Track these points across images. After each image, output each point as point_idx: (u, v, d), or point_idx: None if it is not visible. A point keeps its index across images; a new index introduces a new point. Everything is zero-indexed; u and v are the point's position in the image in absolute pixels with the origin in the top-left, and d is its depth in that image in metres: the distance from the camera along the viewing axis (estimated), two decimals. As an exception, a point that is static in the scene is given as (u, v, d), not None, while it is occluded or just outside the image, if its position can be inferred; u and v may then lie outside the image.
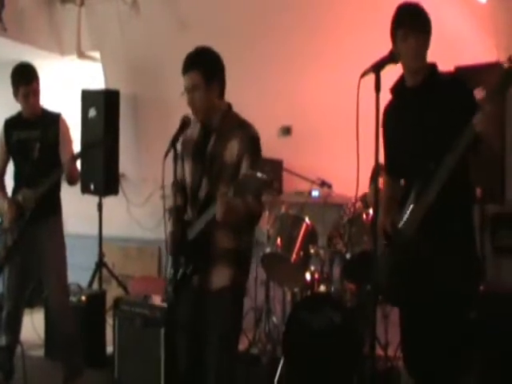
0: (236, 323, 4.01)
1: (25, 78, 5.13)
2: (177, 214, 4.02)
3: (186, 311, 3.98)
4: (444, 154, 3.31)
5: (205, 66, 3.85)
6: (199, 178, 3.93)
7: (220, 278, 3.88)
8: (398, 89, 3.66)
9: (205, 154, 3.91)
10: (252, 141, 3.85)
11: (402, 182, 3.82)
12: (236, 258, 3.92)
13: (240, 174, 3.71)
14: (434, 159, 3.37)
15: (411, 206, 3.50)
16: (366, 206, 5.69)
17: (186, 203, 4.08)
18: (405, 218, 3.54)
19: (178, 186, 4.02)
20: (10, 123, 5.32)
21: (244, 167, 3.77)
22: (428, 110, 3.51)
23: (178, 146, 3.89)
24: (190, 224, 3.94)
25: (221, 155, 3.84)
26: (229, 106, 4.01)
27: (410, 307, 3.64)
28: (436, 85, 3.54)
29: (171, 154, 3.87)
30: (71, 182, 5.23)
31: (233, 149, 3.81)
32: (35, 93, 5.17)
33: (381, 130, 3.70)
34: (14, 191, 5.23)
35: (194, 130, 4.02)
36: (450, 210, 3.44)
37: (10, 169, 5.37)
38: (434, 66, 3.59)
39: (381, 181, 3.77)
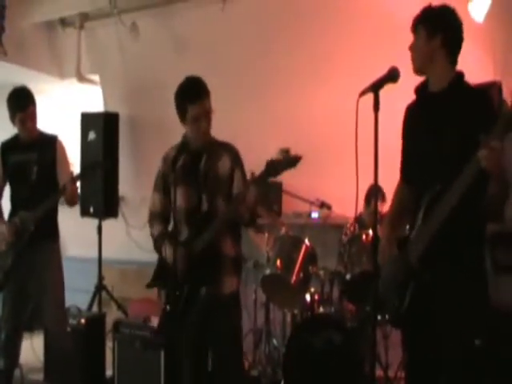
0: (241, 328, 4.37)
1: (21, 104, 5.10)
2: (172, 238, 4.19)
3: (192, 330, 4.19)
4: (455, 172, 3.21)
5: (209, 93, 4.17)
6: (197, 196, 4.20)
7: (228, 284, 4.20)
8: (421, 90, 3.60)
9: (197, 174, 4.21)
10: (239, 156, 4.30)
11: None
12: (237, 265, 4.31)
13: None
14: (447, 174, 3.27)
15: (419, 225, 3.43)
16: (362, 227, 5.68)
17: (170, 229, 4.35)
18: (412, 237, 3.48)
19: (157, 215, 4.34)
20: (7, 146, 5.29)
21: (237, 178, 4.21)
22: (446, 120, 3.41)
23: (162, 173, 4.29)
24: (190, 242, 4.15)
25: (214, 172, 4.20)
26: None
27: (413, 332, 3.57)
28: (458, 95, 3.43)
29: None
30: (71, 203, 5.21)
31: (225, 165, 4.21)
32: (32, 117, 5.15)
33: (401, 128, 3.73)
34: (11, 214, 5.19)
35: (176, 159, 4.16)
36: (459, 235, 3.34)
37: (7, 192, 5.35)
38: (459, 75, 3.50)
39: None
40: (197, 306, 4.14)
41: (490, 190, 3.21)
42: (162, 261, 4.26)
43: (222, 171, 4.18)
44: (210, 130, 4.21)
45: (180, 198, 4.19)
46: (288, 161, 3.87)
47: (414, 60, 3.55)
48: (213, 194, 4.15)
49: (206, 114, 4.13)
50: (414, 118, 3.65)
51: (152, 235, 4.33)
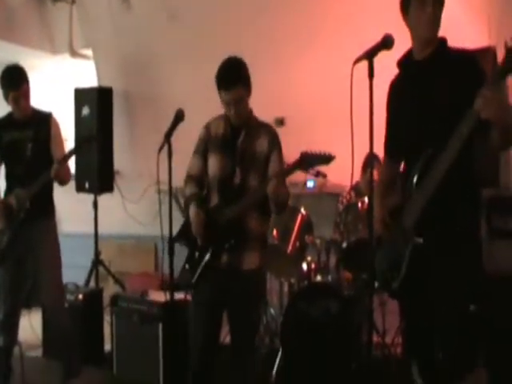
0: (260, 306, 4.56)
1: (14, 82, 5.07)
2: (201, 201, 4.30)
3: (209, 292, 4.22)
4: (448, 135, 3.21)
5: (245, 79, 4.17)
6: (231, 168, 4.23)
7: (251, 260, 4.22)
8: (406, 62, 3.56)
9: (235, 148, 4.23)
10: (277, 139, 4.30)
11: (402, 165, 3.71)
12: (263, 242, 4.35)
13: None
14: (437, 139, 3.27)
15: (411, 193, 3.42)
16: (359, 195, 5.69)
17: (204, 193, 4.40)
18: (405, 206, 3.46)
19: (193, 178, 4.37)
20: (1, 124, 5.27)
21: (274, 160, 4.21)
22: (435, 85, 3.39)
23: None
24: (218, 210, 4.23)
25: (251, 149, 4.22)
26: (250, 108, 4.33)
27: (410, 299, 3.57)
28: (445, 59, 3.41)
29: (165, 149, 4.12)
30: (61, 183, 5.20)
31: (263, 145, 4.22)
32: (25, 96, 5.12)
33: (385, 105, 3.70)
34: (7, 192, 5.19)
35: (217, 128, 4.34)
36: (454, 199, 3.34)
37: (2, 170, 5.34)
38: (443, 40, 3.46)
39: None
40: (216, 273, 4.18)
41: (492, 143, 3.22)
42: (188, 220, 4.32)
43: (260, 150, 4.20)
44: (244, 113, 4.21)
45: (215, 165, 4.27)
46: (322, 157, 3.92)
47: (434, 29, 3.40)
48: (247, 170, 4.19)
49: (238, 101, 4.12)
50: (400, 90, 3.63)
51: (184, 195, 4.40)
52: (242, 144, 4.22)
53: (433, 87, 3.40)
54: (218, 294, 4.20)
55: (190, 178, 4.38)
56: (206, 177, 4.34)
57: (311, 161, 3.94)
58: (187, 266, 4.31)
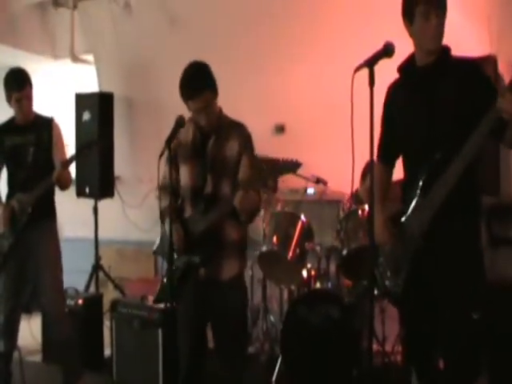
0: (246, 310, 4.41)
1: (17, 83, 5.09)
2: (176, 213, 4.22)
3: (190, 305, 4.17)
4: (454, 141, 3.22)
5: (210, 85, 4.05)
6: (202, 176, 4.14)
7: (230, 268, 4.14)
8: (407, 67, 3.55)
9: (205, 154, 4.13)
10: (249, 139, 4.18)
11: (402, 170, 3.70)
12: (241, 249, 4.25)
13: (241, 173, 4.03)
14: (443, 145, 3.29)
15: (416, 200, 3.43)
16: (358, 203, 5.69)
17: (179, 203, 4.31)
18: (409, 213, 3.47)
19: (169, 187, 4.19)
20: (3, 129, 5.27)
21: (243, 165, 4.09)
22: (440, 91, 3.40)
23: (173, 147, 4.08)
24: (193, 221, 4.16)
25: (221, 154, 4.11)
26: (220, 108, 4.22)
27: (411, 306, 3.59)
28: (449, 66, 3.41)
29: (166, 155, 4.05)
30: (62, 188, 5.21)
31: (233, 148, 4.10)
32: (28, 98, 5.14)
33: (381, 109, 3.67)
34: (9, 197, 5.19)
35: (186, 134, 4.23)
36: (454, 206, 3.34)
37: (4, 174, 5.35)
38: (447, 48, 3.46)
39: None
40: (195, 285, 4.14)
41: (506, 143, 3.24)
42: (164, 233, 4.27)
43: (230, 154, 4.09)
44: (214, 117, 4.11)
45: (186, 175, 4.20)
46: (289, 164, 3.86)
47: (438, 41, 3.41)
48: (219, 177, 4.10)
49: (207, 106, 4.03)
50: (400, 95, 3.62)
51: (159, 207, 4.31)
52: (211, 150, 4.12)
53: (438, 93, 3.41)
54: (199, 305, 4.17)
55: (163, 189, 4.27)
56: (179, 186, 4.26)
57: (279, 168, 3.87)
58: (165, 280, 4.24)
